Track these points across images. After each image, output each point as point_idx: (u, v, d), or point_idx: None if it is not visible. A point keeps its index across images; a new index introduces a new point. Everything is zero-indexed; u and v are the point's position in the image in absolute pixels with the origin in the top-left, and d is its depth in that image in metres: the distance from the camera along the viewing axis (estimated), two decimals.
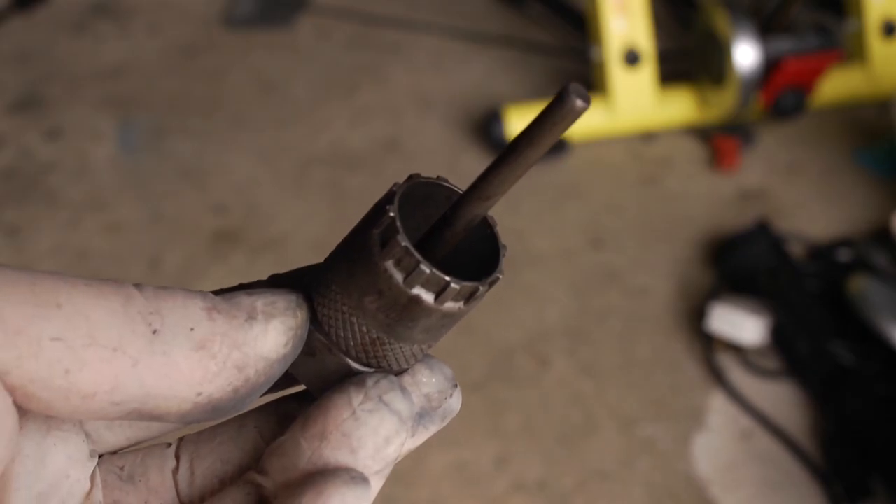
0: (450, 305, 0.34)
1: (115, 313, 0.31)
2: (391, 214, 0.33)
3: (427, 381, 0.37)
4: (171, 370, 0.32)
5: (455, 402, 0.38)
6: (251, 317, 0.34)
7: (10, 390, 0.30)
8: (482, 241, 0.37)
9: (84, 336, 0.31)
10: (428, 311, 0.34)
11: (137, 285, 0.33)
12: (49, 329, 0.30)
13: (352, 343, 0.36)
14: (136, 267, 1.88)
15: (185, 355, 0.32)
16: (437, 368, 0.38)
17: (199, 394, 0.33)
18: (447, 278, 0.33)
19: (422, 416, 0.37)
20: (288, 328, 0.35)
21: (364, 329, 0.35)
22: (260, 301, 0.35)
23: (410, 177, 0.36)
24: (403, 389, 0.36)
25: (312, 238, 1.94)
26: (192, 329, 0.33)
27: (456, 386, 0.38)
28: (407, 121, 2.26)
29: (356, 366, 0.36)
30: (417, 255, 0.33)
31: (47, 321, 0.30)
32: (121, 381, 0.31)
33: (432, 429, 0.37)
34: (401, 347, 0.36)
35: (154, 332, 0.32)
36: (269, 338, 0.35)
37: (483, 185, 0.33)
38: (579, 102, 0.30)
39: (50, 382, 0.30)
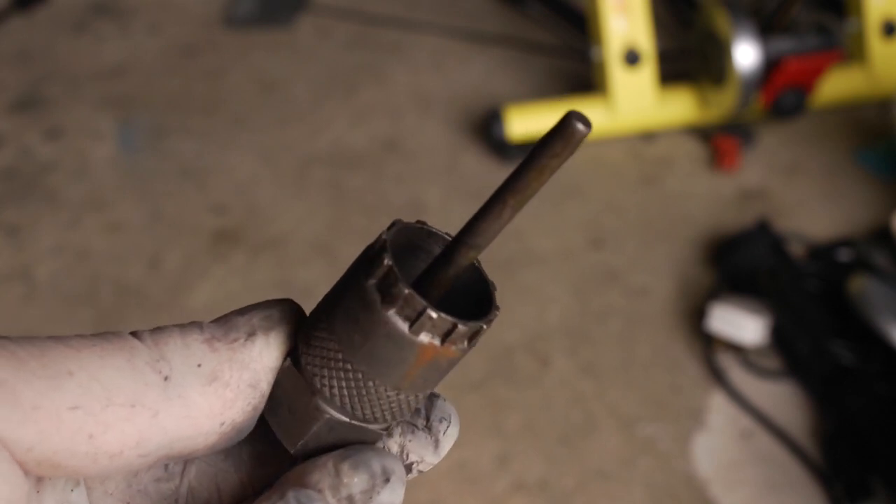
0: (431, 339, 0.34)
1: (123, 370, 0.31)
2: (387, 262, 0.33)
3: (349, 482, 0.34)
4: (190, 410, 0.33)
5: (386, 497, 0.34)
6: (251, 334, 0.34)
7: (36, 463, 0.30)
8: (469, 287, 0.36)
9: (101, 399, 0.31)
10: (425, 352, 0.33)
11: (134, 333, 0.33)
12: (66, 399, 0.30)
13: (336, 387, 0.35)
14: (136, 267, 1.88)
15: (200, 392, 0.33)
16: (362, 465, 0.34)
17: (223, 423, 0.34)
18: (449, 317, 0.33)
19: None
20: (289, 335, 0.35)
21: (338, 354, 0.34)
22: (256, 317, 0.35)
23: (394, 223, 0.35)
24: None
25: (312, 238, 1.94)
26: (199, 365, 0.33)
27: (388, 480, 0.34)
28: (407, 121, 2.26)
29: (329, 408, 0.35)
30: (419, 298, 0.32)
31: (62, 391, 0.30)
32: (145, 434, 0.32)
33: None
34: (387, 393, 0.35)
35: (165, 378, 0.32)
36: (272, 349, 0.35)
37: (492, 210, 0.33)
38: (581, 127, 0.31)
39: (75, 450, 0.30)
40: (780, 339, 1.67)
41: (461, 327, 0.33)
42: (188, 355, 0.33)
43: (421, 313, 0.32)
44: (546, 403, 1.62)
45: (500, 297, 0.36)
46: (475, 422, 1.58)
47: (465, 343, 0.34)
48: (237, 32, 2.55)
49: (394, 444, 0.37)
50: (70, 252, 1.92)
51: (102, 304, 1.80)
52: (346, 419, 0.35)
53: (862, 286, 1.60)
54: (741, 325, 1.63)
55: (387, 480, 0.34)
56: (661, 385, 1.65)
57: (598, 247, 1.92)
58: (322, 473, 0.34)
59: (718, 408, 1.61)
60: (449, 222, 0.35)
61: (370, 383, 0.34)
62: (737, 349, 1.67)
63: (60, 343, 0.31)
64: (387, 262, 0.33)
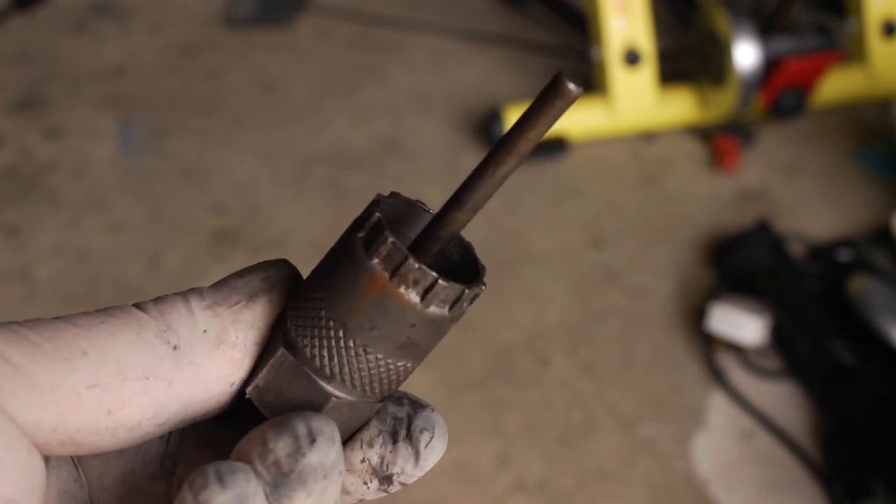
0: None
1: (134, 344, 0.33)
2: (377, 216, 0.34)
3: (273, 448, 0.32)
4: (202, 376, 0.34)
5: (315, 457, 0.32)
6: (252, 296, 0.35)
7: (59, 444, 0.31)
8: (460, 264, 0.37)
9: (116, 375, 0.32)
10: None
11: (138, 305, 0.34)
12: (82, 378, 0.31)
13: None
14: (136, 267, 1.88)
15: (209, 357, 0.34)
16: (286, 429, 0.33)
17: (233, 383, 0.35)
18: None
19: (277, 488, 0.32)
20: (289, 294, 0.36)
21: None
22: (255, 279, 0.36)
23: (392, 193, 0.36)
24: (221, 478, 0.31)
25: (312, 238, 1.94)
26: (204, 331, 0.34)
27: (314, 441, 0.33)
28: (407, 121, 2.26)
29: (286, 347, 0.35)
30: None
31: (78, 371, 0.31)
32: (161, 403, 0.33)
33: (300, 495, 0.32)
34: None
35: (174, 347, 0.33)
36: (275, 306, 0.36)
37: (484, 170, 0.33)
38: (573, 87, 0.31)
39: (96, 427, 0.32)
40: (780, 339, 1.67)
41: (412, 262, 0.32)
42: (193, 322, 0.34)
43: (379, 234, 0.33)
44: (546, 403, 1.62)
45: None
46: (475, 422, 1.58)
47: (417, 296, 0.33)
48: (237, 32, 2.54)
49: (374, 455, 0.37)
50: (70, 252, 1.92)
51: (102, 304, 1.79)
52: (297, 361, 0.35)
53: (862, 286, 1.60)
54: (741, 325, 1.63)
55: (313, 441, 0.33)
56: (661, 385, 1.65)
57: (598, 247, 1.92)
58: (253, 443, 0.33)
59: (718, 408, 1.61)
60: None
61: (322, 312, 0.34)
62: (737, 349, 1.67)
63: (69, 323, 0.32)
64: (375, 198, 0.34)
